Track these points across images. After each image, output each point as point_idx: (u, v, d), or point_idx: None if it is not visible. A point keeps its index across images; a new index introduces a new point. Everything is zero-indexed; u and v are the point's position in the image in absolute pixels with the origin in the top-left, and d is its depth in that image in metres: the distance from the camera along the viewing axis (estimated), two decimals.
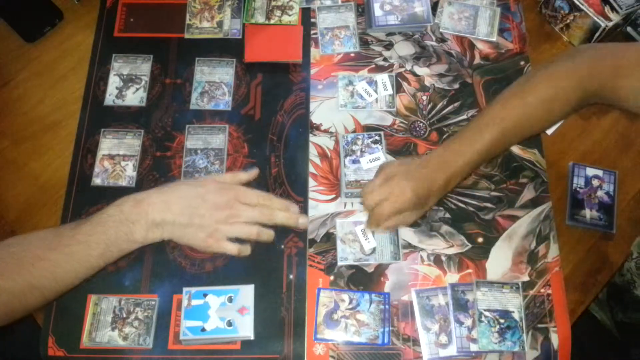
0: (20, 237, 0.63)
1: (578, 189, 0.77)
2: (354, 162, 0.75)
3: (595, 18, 0.81)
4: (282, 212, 0.71)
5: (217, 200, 0.68)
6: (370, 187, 0.69)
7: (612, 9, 0.81)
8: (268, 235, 0.71)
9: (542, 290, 0.71)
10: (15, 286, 0.59)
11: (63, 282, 0.62)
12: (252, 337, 0.67)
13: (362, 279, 0.71)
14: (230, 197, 0.69)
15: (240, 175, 0.74)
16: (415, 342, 0.68)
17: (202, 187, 0.69)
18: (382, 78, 0.82)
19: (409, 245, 0.73)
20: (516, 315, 0.69)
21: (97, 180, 0.75)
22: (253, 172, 0.75)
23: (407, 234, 0.73)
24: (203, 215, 0.67)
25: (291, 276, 0.71)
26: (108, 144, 0.77)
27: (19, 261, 0.60)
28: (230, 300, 0.68)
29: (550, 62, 0.71)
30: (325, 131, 0.79)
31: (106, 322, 0.67)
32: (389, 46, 0.85)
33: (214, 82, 0.82)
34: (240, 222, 0.69)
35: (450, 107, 0.81)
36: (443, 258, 0.72)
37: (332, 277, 0.71)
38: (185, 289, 0.69)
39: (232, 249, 0.69)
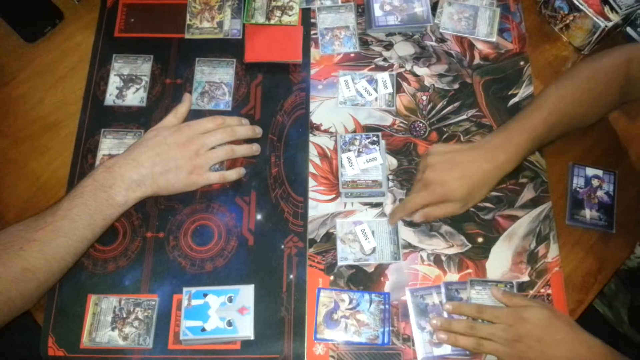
0: (5, 229, 0.64)
1: (578, 189, 0.77)
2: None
3: (595, 18, 0.81)
4: (240, 126, 0.76)
5: (179, 140, 0.71)
6: (411, 199, 0.71)
7: (612, 9, 0.81)
8: (243, 149, 0.75)
9: (542, 290, 0.71)
10: (8, 272, 0.59)
11: (54, 260, 0.62)
12: (252, 337, 0.67)
13: (362, 279, 0.71)
14: (188, 133, 0.72)
15: (180, 109, 0.76)
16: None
17: (158, 136, 0.71)
18: (383, 76, 0.82)
19: (409, 245, 0.73)
20: None
21: None
22: (186, 100, 0.77)
23: (407, 234, 0.73)
24: (175, 158, 0.69)
25: (291, 276, 0.71)
26: (108, 144, 0.77)
27: (7, 247, 0.61)
28: (230, 300, 0.68)
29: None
30: (325, 131, 0.79)
31: (106, 322, 0.67)
32: (388, 46, 0.85)
33: (214, 82, 0.82)
34: (211, 150, 0.72)
35: (450, 107, 0.81)
36: (443, 258, 0.72)
37: (332, 277, 0.71)
38: (185, 289, 0.69)
39: (217, 177, 0.73)
